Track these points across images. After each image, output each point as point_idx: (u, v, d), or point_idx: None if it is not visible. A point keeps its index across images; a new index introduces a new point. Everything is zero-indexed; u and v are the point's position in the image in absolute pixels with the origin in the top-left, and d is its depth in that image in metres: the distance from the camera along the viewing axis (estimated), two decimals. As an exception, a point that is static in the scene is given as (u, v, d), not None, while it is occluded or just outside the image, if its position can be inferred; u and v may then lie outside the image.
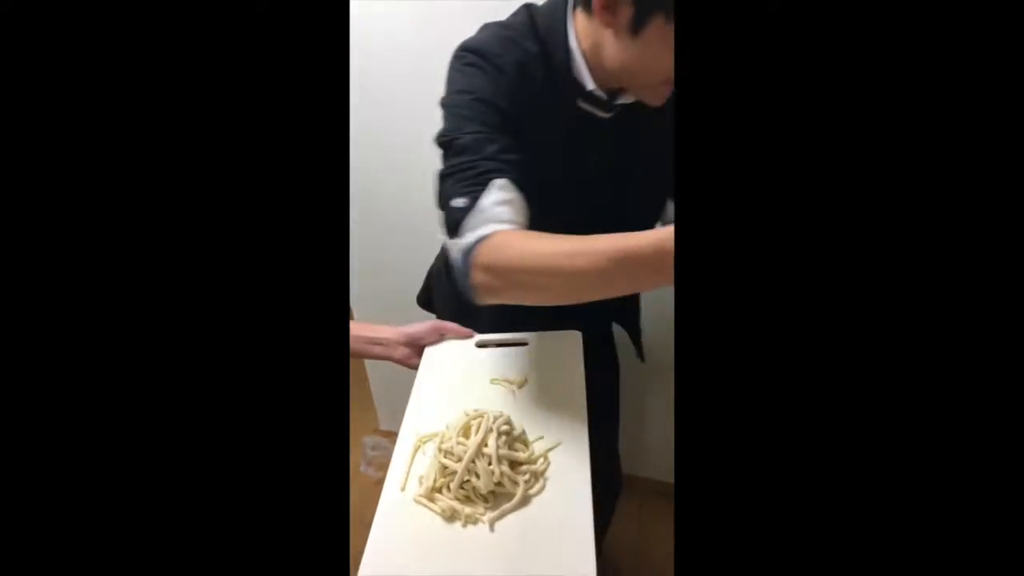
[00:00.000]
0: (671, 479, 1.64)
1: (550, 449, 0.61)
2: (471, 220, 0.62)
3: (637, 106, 0.73)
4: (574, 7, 0.69)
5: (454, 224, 0.63)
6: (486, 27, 0.73)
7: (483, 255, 0.61)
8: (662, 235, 0.55)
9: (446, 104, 0.68)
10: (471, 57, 0.68)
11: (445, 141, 0.66)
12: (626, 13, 0.62)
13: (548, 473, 0.59)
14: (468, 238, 0.62)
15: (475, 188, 0.63)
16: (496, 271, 0.61)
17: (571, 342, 0.76)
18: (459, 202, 0.63)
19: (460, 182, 0.64)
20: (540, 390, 0.70)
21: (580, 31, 0.69)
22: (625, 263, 0.55)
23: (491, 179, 0.63)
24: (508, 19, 0.73)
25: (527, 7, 0.73)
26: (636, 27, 0.62)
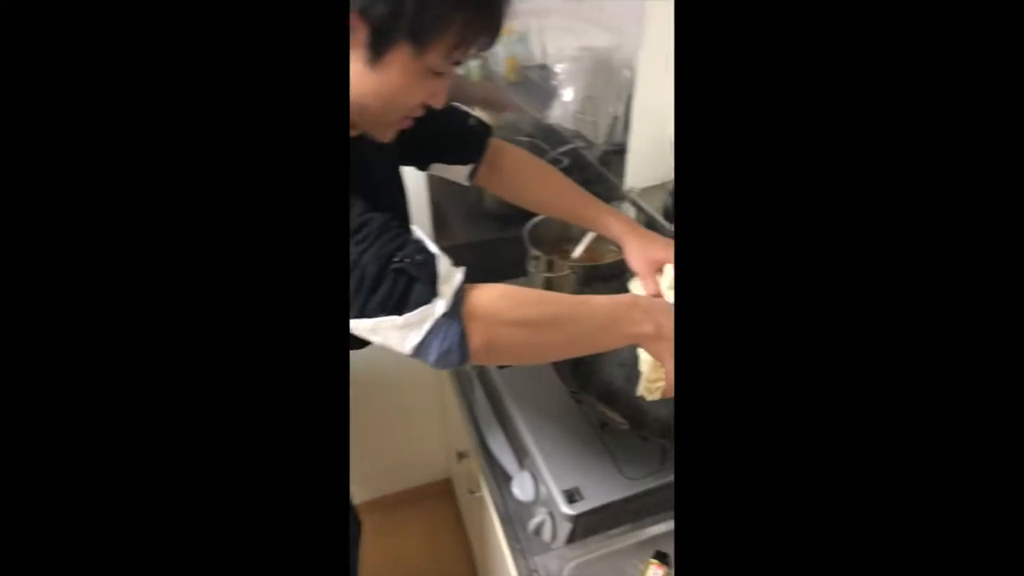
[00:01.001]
0: (424, 480, 1.65)
1: None
2: (442, 269, 0.52)
3: (362, 139, 0.62)
4: None
5: (416, 281, 0.50)
6: None
7: (482, 306, 0.53)
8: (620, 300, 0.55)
9: None
10: None
11: None
12: (360, 36, 0.50)
13: None
14: (447, 291, 0.52)
15: (404, 237, 0.52)
16: (500, 321, 0.53)
17: None
18: (417, 257, 0.51)
19: (375, 240, 0.50)
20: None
21: None
22: (614, 318, 0.56)
23: (401, 225, 0.53)
24: None
25: None
26: (374, 54, 0.51)
